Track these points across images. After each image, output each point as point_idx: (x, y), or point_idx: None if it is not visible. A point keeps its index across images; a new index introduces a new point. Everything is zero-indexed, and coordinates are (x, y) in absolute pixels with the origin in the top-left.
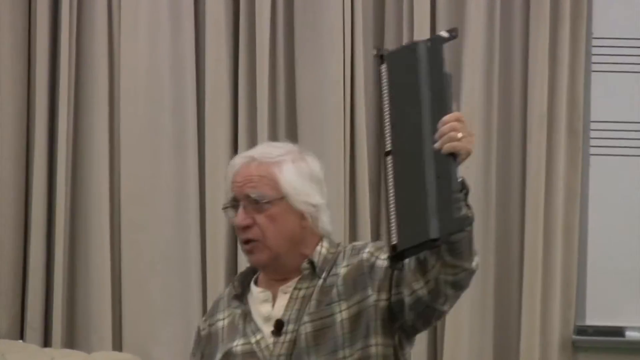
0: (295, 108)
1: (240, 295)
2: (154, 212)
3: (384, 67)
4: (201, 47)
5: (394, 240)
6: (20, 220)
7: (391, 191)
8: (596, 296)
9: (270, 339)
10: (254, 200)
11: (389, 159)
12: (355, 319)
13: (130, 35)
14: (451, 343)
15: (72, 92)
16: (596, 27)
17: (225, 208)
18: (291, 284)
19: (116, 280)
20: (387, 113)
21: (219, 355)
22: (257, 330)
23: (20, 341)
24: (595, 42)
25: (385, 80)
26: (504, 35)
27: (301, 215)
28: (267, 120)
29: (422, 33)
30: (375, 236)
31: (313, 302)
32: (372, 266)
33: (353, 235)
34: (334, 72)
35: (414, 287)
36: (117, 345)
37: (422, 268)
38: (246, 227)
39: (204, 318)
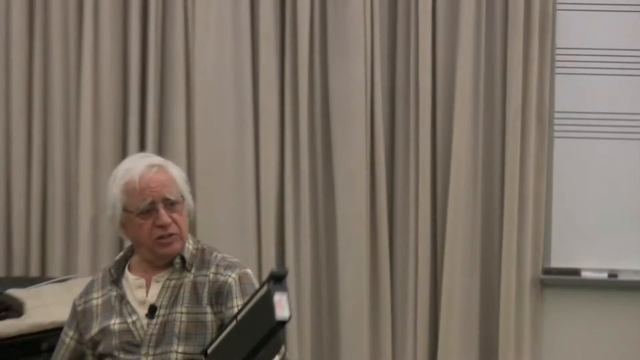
0: (328, 101)
1: (116, 280)
2: (220, 181)
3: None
4: (256, 50)
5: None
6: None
7: None
8: (559, 245)
9: (145, 320)
10: (171, 202)
11: None
12: (218, 325)
13: (202, 38)
14: (447, 282)
15: (158, 85)
16: (559, 40)
17: (142, 213)
18: (164, 274)
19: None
20: (229, 327)
21: (95, 330)
22: (133, 312)
23: None
24: (558, 52)
25: (253, 301)
26: (488, 45)
27: (189, 212)
28: (307, 109)
29: (424, 39)
30: (391, 209)
31: (187, 295)
32: (227, 301)
33: (373, 212)
34: (359, 74)
35: None
36: None
37: None
38: (167, 225)
39: (79, 296)
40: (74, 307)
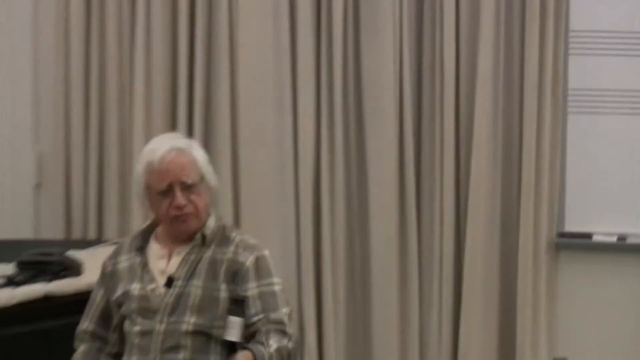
0: (360, 77)
1: (141, 248)
2: (261, 150)
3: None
4: (294, 32)
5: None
6: None
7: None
8: (572, 211)
9: (162, 289)
10: (188, 185)
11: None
12: (230, 302)
13: (245, 22)
14: (470, 245)
15: (204, 64)
16: (572, 22)
17: (160, 193)
18: (185, 248)
19: (237, 201)
20: None
21: (119, 292)
22: (153, 280)
23: None
24: (571, 34)
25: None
26: (507, 28)
27: (210, 193)
28: (341, 84)
29: (449, 25)
30: (418, 176)
31: (204, 270)
32: (243, 283)
33: (402, 178)
34: (388, 52)
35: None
36: None
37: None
38: (183, 207)
39: (108, 258)
40: (104, 268)
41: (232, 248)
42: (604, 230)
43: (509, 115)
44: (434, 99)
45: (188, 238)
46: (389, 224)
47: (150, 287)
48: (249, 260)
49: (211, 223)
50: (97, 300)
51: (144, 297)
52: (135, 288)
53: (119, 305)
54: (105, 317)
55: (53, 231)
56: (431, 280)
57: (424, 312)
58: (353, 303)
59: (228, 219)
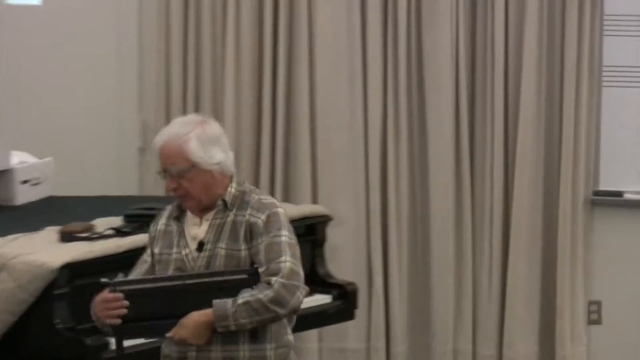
0: (422, 55)
1: (179, 217)
2: (336, 120)
3: None
4: (364, 15)
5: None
6: (255, 148)
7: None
8: (605, 172)
9: (195, 253)
10: (175, 172)
11: None
12: (250, 258)
13: (322, 7)
14: (517, 201)
15: (286, 44)
16: (606, 7)
17: (159, 173)
18: (211, 215)
19: (315, 164)
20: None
21: (156, 257)
22: (187, 245)
23: None
24: (605, 17)
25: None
26: (550, 13)
27: (210, 173)
28: (405, 63)
29: (499, 10)
30: (471, 142)
31: (227, 233)
32: (256, 238)
33: (458, 145)
34: (446, 34)
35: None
36: (315, 200)
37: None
38: (175, 189)
39: (153, 222)
40: (149, 231)
41: (249, 210)
42: (633, 189)
43: (551, 89)
44: (485, 75)
45: (214, 205)
46: (446, 182)
47: (184, 252)
48: (260, 219)
49: (232, 189)
50: (144, 258)
51: (180, 261)
52: (173, 252)
53: (155, 265)
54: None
55: (155, 188)
56: (482, 232)
57: (476, 261)
58: (414, 251)
59: (305, 177)
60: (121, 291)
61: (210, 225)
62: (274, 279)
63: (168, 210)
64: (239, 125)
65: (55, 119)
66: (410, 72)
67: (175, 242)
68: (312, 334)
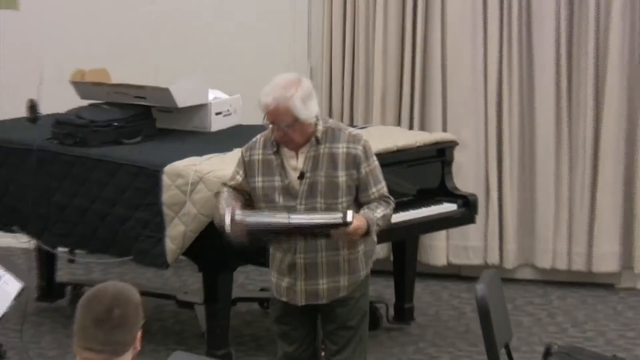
0: (530, 11)
1: (277, 151)
2: (459, 74)
3: None
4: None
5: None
6: (398, 86)
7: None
8: None
9: (297, 181)
10: (284, 126)
11: None
12: (349, 183)
13: None
14: (604, 132)
15: (423, 12)
16: None
17: (266, 123)
18: (305, 148)
19: (445, 99)
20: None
21: (259, 180)
22: (288, 175)
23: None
24: None
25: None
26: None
27: (308, 123)
28: (517, 20)
29: None
30: (569, 87)
31: (325, 163)
32: (358, 166)
33: (559, 87)
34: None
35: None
36: (444, 129)
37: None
38: (281, 137)
39: (245, 149)
40: (242, 155)
41: (343, 143)
42: None
43: (632, 47)
44: (580, 27)
45: (306, 141)
46: (548, 116)
47: (288, 180)
48: (359, 150)
49: (320, 127)
50: (236, 177)
51: (285, 187)
52: (277, 181)
53: (255, 189)
54: (240, 189)
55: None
56: (577, 155)
57: (572, 178)
58: (523, 170)
59: (437, 110)
60: (237, 223)
61: (306, 158)
62: (391, 201)
63: (259, 141)
64: (385, 70)
65: (242, 64)
66: (521, 25)
67: (277, 172)
68: (442, 234)
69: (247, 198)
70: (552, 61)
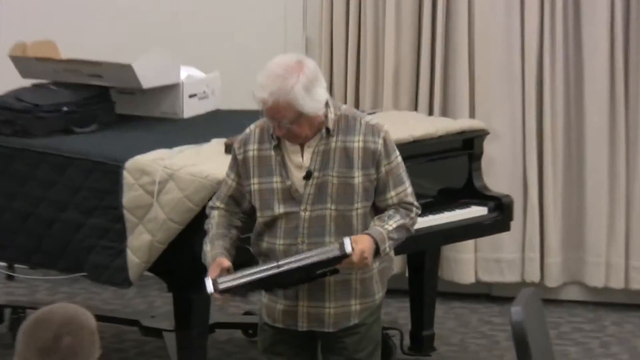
0: None
1: (277, 145)
2: (493, 43)
3: None
4: None
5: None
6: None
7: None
8: None
9: (301, 183)
10: (287, 123)
11: None
12: (366, 185)
13: None
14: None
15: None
16: None
17: (268, 118)
18: (313, 141)
19: (472, 79)
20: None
21: (255, 181)
22: (291, 174)
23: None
24: None
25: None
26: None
27: (316, 114)
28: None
29: None
30: (626, 62)
31: (337, 159)
32: (378, 164)
33: (612, 62)
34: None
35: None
36: (472, 115)
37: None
38: (284, 134)
39: (238, 145)
40: (234, 154)
41: (360, 136)
42: None
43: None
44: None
45: (315, 133)
46: (601, 100)
47: (289, 181)
48: (379, 143)
49: (331, 115)
50: (228, 182)
51: (285, 190)
52: (276, 182)
53: (251, 193)
54: (235, 198)
55: None
56: (636, 150)
57: (630, 177)
58: (569, 166)
59: (463, 92)
60: (222, 291)
61: (313, 153)
62: (414, 208)
63: (254, 132)
64: (399, 41)
65: (222, 35)
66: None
67: (276, 170)
68: (469, 244)
69: (246, 207)
70: (606, 36)
